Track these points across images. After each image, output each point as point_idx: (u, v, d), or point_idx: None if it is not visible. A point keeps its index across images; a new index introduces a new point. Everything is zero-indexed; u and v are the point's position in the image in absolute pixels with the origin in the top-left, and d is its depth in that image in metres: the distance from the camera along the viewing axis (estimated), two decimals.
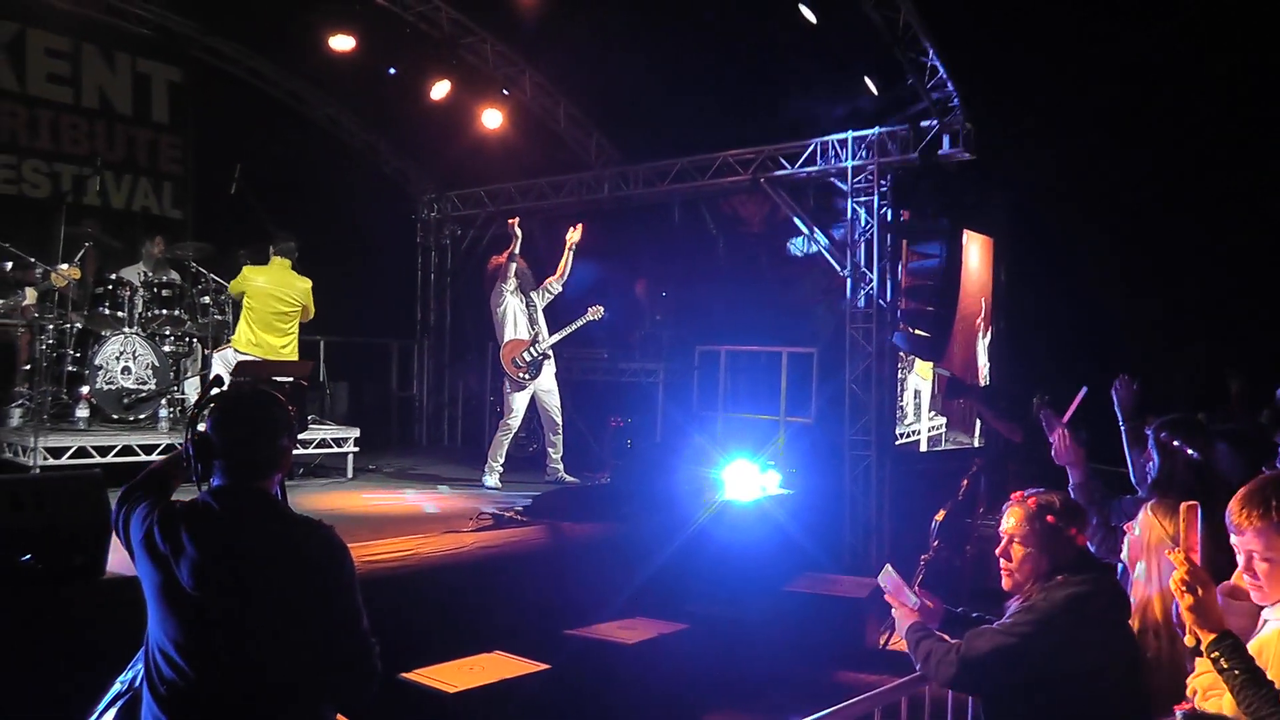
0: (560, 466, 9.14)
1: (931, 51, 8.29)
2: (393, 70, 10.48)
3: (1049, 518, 3.46)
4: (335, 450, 9.31)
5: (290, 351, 8.62)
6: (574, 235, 9.08)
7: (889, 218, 9.11)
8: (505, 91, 10.83)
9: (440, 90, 10.22)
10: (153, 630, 2.88)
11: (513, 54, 10.83)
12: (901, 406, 9.66)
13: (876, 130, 9.11)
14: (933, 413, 10.21)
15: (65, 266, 7.56)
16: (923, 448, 10.02)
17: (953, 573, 7.42)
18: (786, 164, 9.74)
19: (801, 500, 8.71)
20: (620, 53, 9.77)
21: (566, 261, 9.11)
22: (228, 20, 11.03)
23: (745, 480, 8.12)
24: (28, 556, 4.37)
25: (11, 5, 10.19)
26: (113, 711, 3.09)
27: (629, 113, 10.86)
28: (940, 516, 7.11)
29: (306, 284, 8.70)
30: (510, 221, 9.19)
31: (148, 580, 2.89)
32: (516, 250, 9.00)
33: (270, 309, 8.52)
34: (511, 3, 9.24)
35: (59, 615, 4.42)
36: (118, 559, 4.32)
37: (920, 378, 9.93)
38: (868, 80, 8.75)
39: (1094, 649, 3.33)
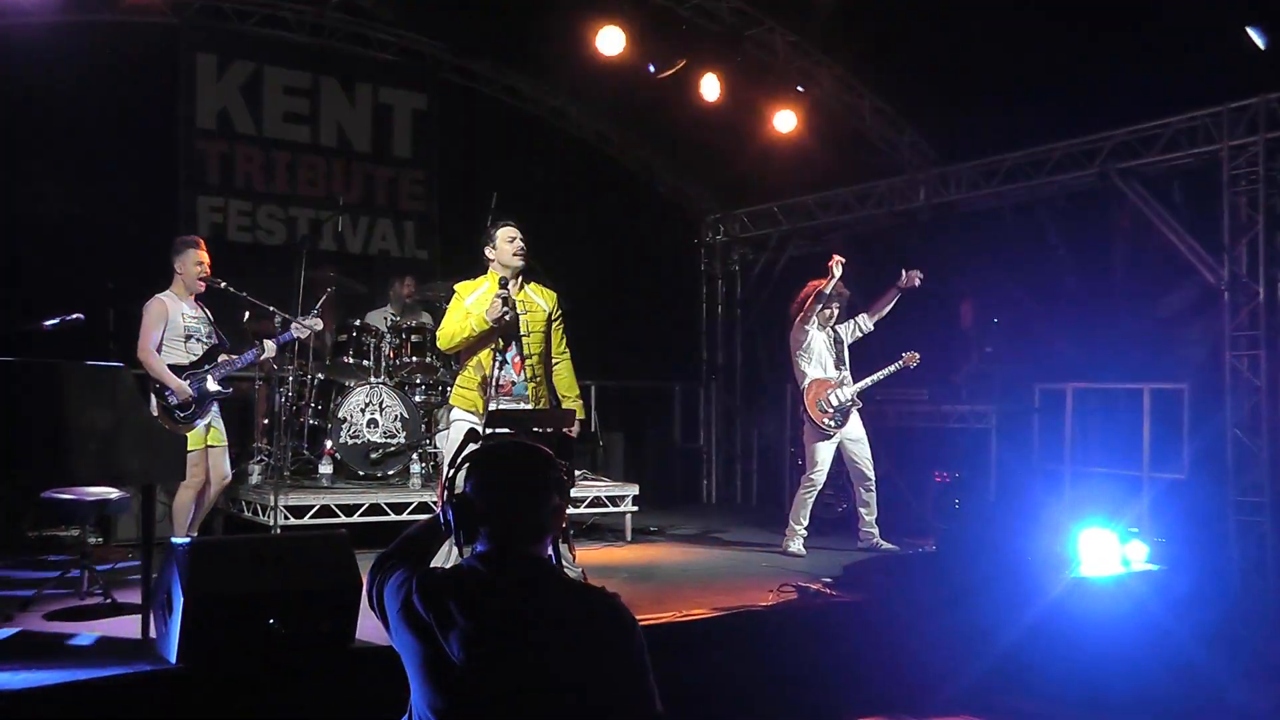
0: (875, 530, 9.02)
1: None
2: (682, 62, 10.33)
3: None
4: (611, 510, 9.55)
5: None
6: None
7: None
8: (800, 89, 10.91)
9: (711, 88, 10.34)
10: (416, 703, 2.98)
11: (807, 43, 10.89)
12: None
13: (1262, 97, 8.56)
14: None
15: (307, 319, 8.00)
16: None
17: None
18: (1141, 150, 9.35)
19: (1175, 578, 8.20)
20: (931, 32, 9.65)
21: (888, 301, 9.05)
22: (480, 36, 11.55)
23: (1102, 552, 7.79)
24: (271, 621, 4.66)
25: (249, 43, 11.10)
26: None
27: (944, 103, 10.67)
28: None
29: None
30: (833, 260, 9.03)
31: (408, 651, 2.99)
32: (838, 286, 8.88)
33: None
34: None
35: (307, 684, 4.68)
36: (368, 624, 4.56)
37: None
38: (1250, 30, 8.26)
39: None
